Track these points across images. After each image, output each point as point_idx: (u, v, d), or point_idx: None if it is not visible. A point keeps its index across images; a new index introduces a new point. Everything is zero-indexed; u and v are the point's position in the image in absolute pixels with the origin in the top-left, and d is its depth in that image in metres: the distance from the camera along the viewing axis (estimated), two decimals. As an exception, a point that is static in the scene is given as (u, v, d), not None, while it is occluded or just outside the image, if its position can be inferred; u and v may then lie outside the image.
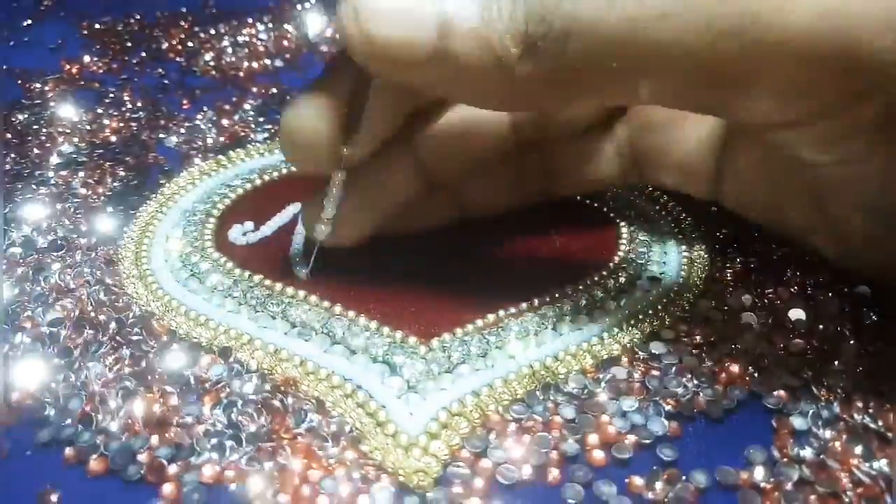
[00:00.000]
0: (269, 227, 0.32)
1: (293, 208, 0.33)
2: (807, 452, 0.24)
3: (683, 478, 0.23)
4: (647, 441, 0.24)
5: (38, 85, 0.46)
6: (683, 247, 0.32)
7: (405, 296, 0.29)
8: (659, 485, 0.23)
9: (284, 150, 0.26)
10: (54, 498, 0.23)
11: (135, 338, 0.27)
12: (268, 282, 0.29)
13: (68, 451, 0.24)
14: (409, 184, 0.29)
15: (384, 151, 0.28)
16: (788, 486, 0.23)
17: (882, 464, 0.23)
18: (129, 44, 0.51)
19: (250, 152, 0.38)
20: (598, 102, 0.24)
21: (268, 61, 0.49)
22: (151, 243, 0.32)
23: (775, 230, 0.31)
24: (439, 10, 0.22)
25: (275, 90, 0.46)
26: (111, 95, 0.45)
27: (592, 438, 0.24)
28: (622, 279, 0.30)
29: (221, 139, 0.40)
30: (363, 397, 0.25)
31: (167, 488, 0.23)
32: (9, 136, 0.40)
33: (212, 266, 0.30)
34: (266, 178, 0.36)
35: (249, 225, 0.32)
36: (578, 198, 0.36)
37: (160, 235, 0.32)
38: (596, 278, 0.30)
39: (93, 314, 0.28)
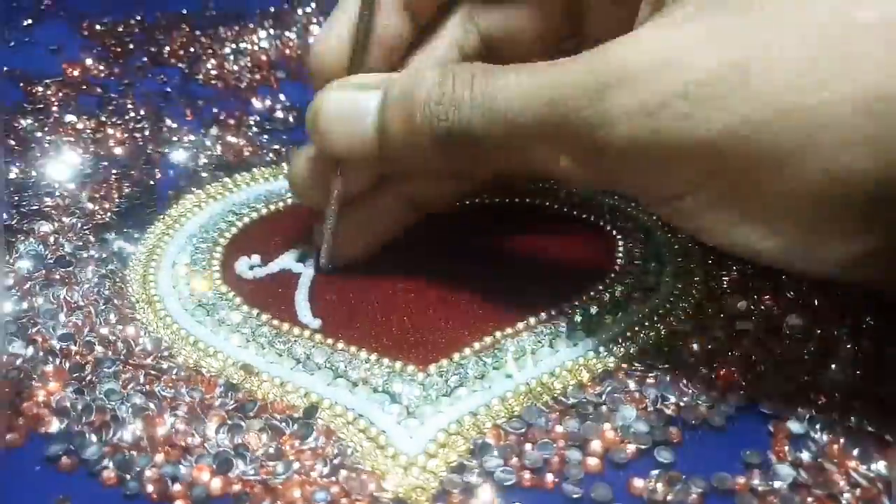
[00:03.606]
0: (276, 265, 0.33)
1: (300, 248, 0.34)
2: (804, 456, 0.24)
3: (684, 477, 0.24)
4: (646, 447, 0.25)
5: (40, 88, 0.45)
6: (679, 257, 0.33)
7: (404, 324, 0.30)
8: (660, 486, 0.24)
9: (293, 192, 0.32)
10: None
11: (146, 360, 0.28)
12: (275, 322, 0.30)
13: (81, 462, 0.25)
14: (401, 216, 0.33)
15: (375, 192, 0.32)
16: (785, 490, 0.24)
17: (879, 466, 0.24)
18: (130, 46, 0.51)
19: (255, 177, 0.38)
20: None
21: (269, 72, 0.49)
22: (159, 267, 0.32)
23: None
24: (375, 120, 0.27)
25: (278, 106, 0.46)
26: (114, 102, 0.45)
27: (593, 445, 0.25)
28: (618, 292, 0.31)
29: (226, 158, 0.40)
30: (364, 424, 0.26)
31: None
32: (12, 142, 0.40)
33: (220, 300, 0.31)
34: (272, 207, 0.36)
35: (256, 259, 0.33)
36: (575, 212, 0.36)
37: (167, 260, 0.33)
38: (592, 293, 0.31)
39: (103, 331, 0.29)
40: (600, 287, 0.31)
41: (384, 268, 0.32)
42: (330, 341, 0.29)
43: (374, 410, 0.26)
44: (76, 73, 0.48)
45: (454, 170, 0.28)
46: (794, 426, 0.25)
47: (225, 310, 0.30)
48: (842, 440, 0.25)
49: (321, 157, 0.30)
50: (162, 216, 0.35)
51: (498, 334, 0.29)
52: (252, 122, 0.43)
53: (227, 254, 0.33)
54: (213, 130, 0.42)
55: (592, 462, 0.25)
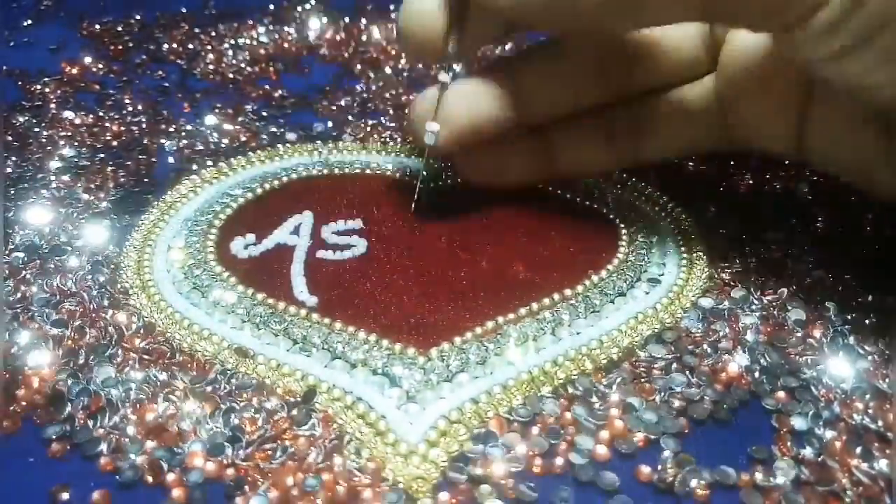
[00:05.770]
0: (270, 241, 0.32)
1: (294, 220, 0.33)
2: (807, 452, 0.24)
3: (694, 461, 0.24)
4: (654, 437, 0.25)
5: (38, 86, 0.46)
6: (683, 247, 0.33)
7: (405, 306, 0.29)
8: (670, 468, 0.23)
9: (401, 40, 0.30)
10: (65, 496, 0.23)
11: (140, 344, 0.28)
12: (270, 300, 0.29)
13: (76, 448, 0.24)
14: (502, 104, 0.31)
15: (484, 70, 0.32)
16: (789, 486, 0.23)
17: (882, 464, 0.24)
18: (129, 45, 0.51)
19: (251, 160, 0.38)
20: (653, 22, 0.27)
21: (268, 64, 0.49)
22: (153, 252, 0.32)
23: (859, 185, 0.31)
24: None
25: (276, 94, 0.46)
26: (112, 98, 0.45)
27: (600, 435, 0.25)
28: (622, 282, 0.30)
29: (223, 145, 0.40)
30: (363, 408, 0.25)
31: (175, 492, 0.23)
32: (10, 138, 0.40)
33: (215, 281, 0.30)
34: (266, 186, 0.36)
35: (251, 237, 0.33)
36: (578, 199, 0.36)
37: (161, 245, 0.33)
38: (595, 281, 0.30)
39: (96, 318, 0.29)
40: (604, 275, 0.31)
41: (382, 247, 0.32)
42: (327, 321, 0.28)
43: (373, 394, 0.26)
44: (75, 71, 0.48)
45: (587, 16, 0.25)
46: (798, 422, 0.25)
47: (220, 290, 0.30)
48: (844, 437, 0.25)
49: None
50: (157, 202, 0.35)
51: (500, 319, 0.28)
52: (249, 110, 0.44)
53: (223, 235, 0.33)
54: (211, 119, 0.42)
55: (600, 450, 0.24)
